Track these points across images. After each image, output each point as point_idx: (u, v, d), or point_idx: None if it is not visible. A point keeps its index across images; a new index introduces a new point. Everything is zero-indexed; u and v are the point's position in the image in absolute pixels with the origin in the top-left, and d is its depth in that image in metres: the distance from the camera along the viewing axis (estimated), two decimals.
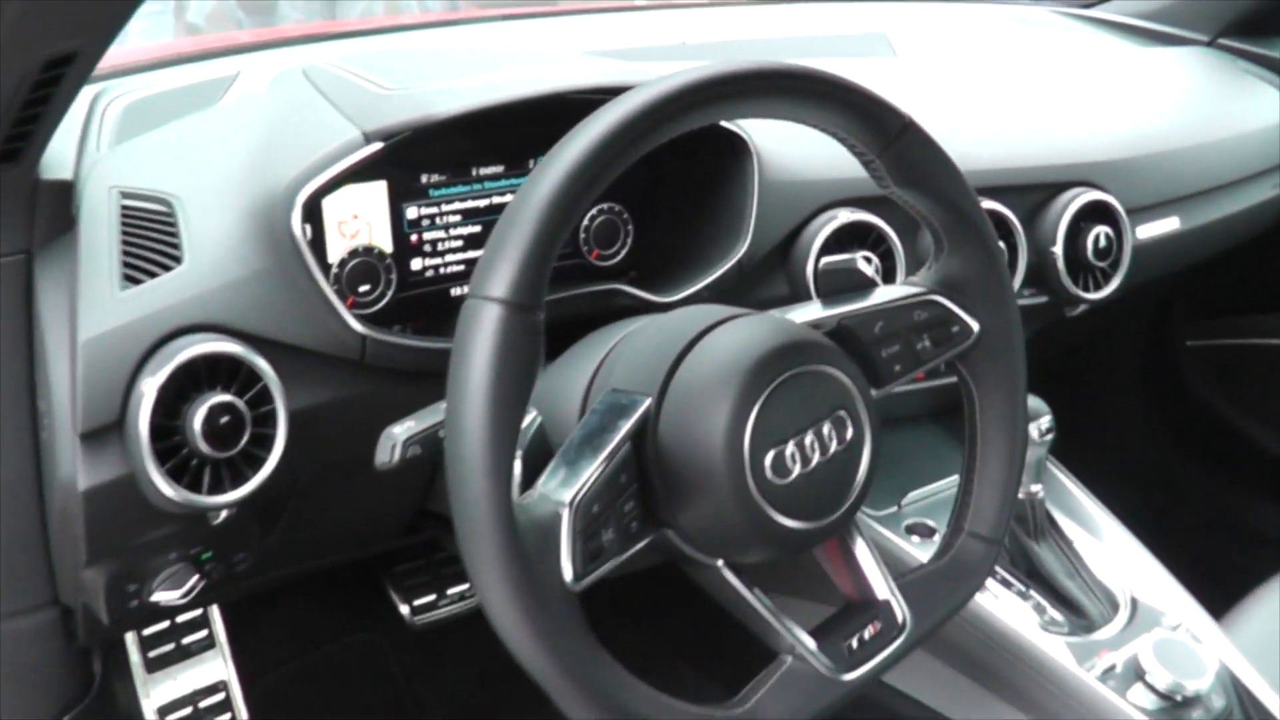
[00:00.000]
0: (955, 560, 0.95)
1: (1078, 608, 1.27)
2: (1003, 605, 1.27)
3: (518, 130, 1.15)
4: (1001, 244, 1.30)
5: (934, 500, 1.40)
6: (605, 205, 1.22)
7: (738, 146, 1.18)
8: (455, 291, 1.16)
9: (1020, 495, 1.28)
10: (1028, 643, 1.23)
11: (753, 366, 0.80)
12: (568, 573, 0.73)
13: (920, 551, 1.31)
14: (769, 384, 0.80)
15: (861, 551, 0.92)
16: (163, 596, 1.05)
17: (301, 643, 1.74)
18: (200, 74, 1.33)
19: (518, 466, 0.83)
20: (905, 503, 1.38)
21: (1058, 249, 1.35)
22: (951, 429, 1.50)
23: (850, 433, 0.85)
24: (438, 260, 1.15)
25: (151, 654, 1.54)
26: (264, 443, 0.96)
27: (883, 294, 0.94)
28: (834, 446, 0.84)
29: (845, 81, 0.83)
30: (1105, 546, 1.37)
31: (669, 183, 1.25)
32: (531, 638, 0.72)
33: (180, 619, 1.54)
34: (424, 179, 1.12)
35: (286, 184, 0.98)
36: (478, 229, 1.16)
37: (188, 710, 1.53)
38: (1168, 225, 1.48)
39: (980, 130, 1.42)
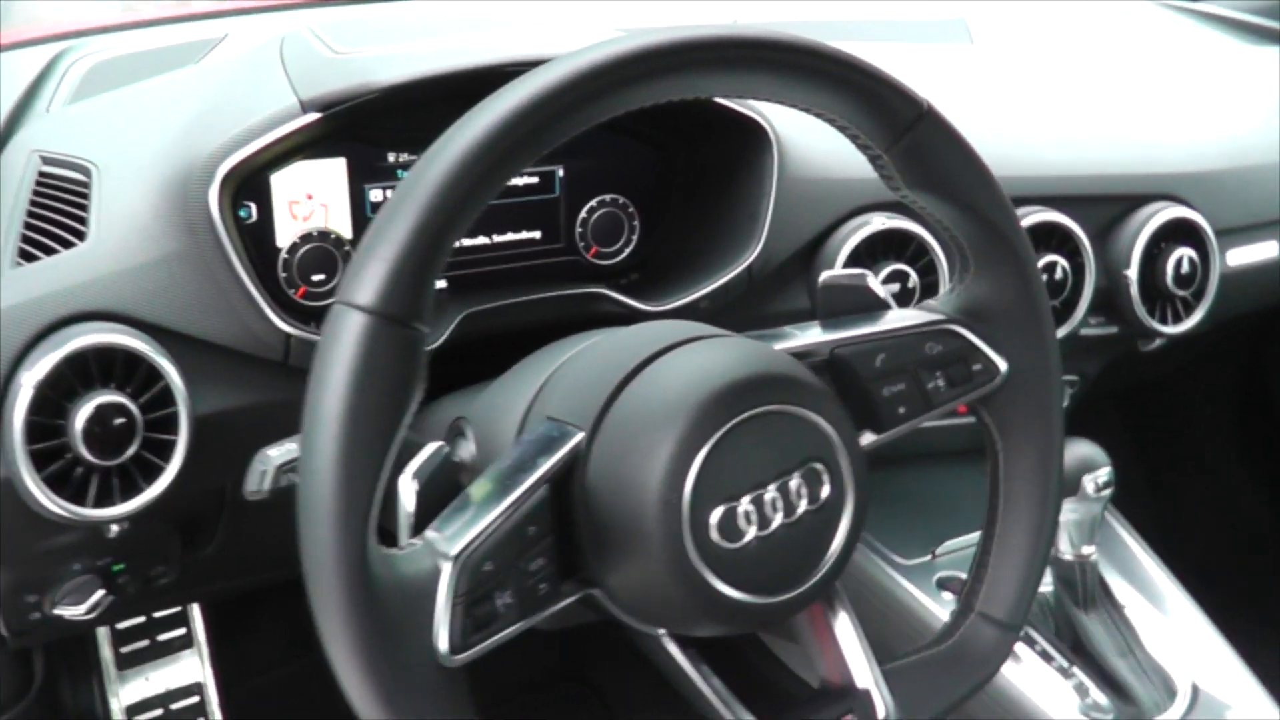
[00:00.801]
0: (960, 646, 0.79)
1: (1127, 692, 1.09)
2: (1039, 683, 1.09)
3: None
4: (1064, 264, 1.13)
5: (973, 552, 1.22)
6: (608, 197, 1.08)
7: (756, 134, 1.03)
8: None
9: (1069, 557, 1.10)
10: None
11: (703, 402, 0.66)
12: (442, 644, 0.60)
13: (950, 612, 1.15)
14: (721, 425, 0.65)
15: (842, 627, 0.77)
16: (66, 611, 0.94)
17: (293, 646, 1.63)
18: (187, 35, 1.23)
19: (412, 504, 0.69)
20: (940, 552, 1.22)
21: (1132, 272, 1.16)
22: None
23: (827, 491, 0.69)
24: None
25: (124, 649, 1.45)
26: (164, 450, 0.84)
27: (894, 319, 0.78)
28: (803, 506, 0.68)
29: (840, 55, 0.67)
30: (1168, 621, 1.18)
31: (681, 174, 1.10)
32: None
33: (158, 614, 1.45)
34: (390, 158, 0.99)
35: (208, 155, 0.86)
36: None
37: (158, 712, 1.44)
38: (1265, 251, 1.28)
39: (1053, 130, 1.24)
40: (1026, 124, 1.22)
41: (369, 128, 0.95)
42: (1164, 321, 1.20)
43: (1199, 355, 1.67)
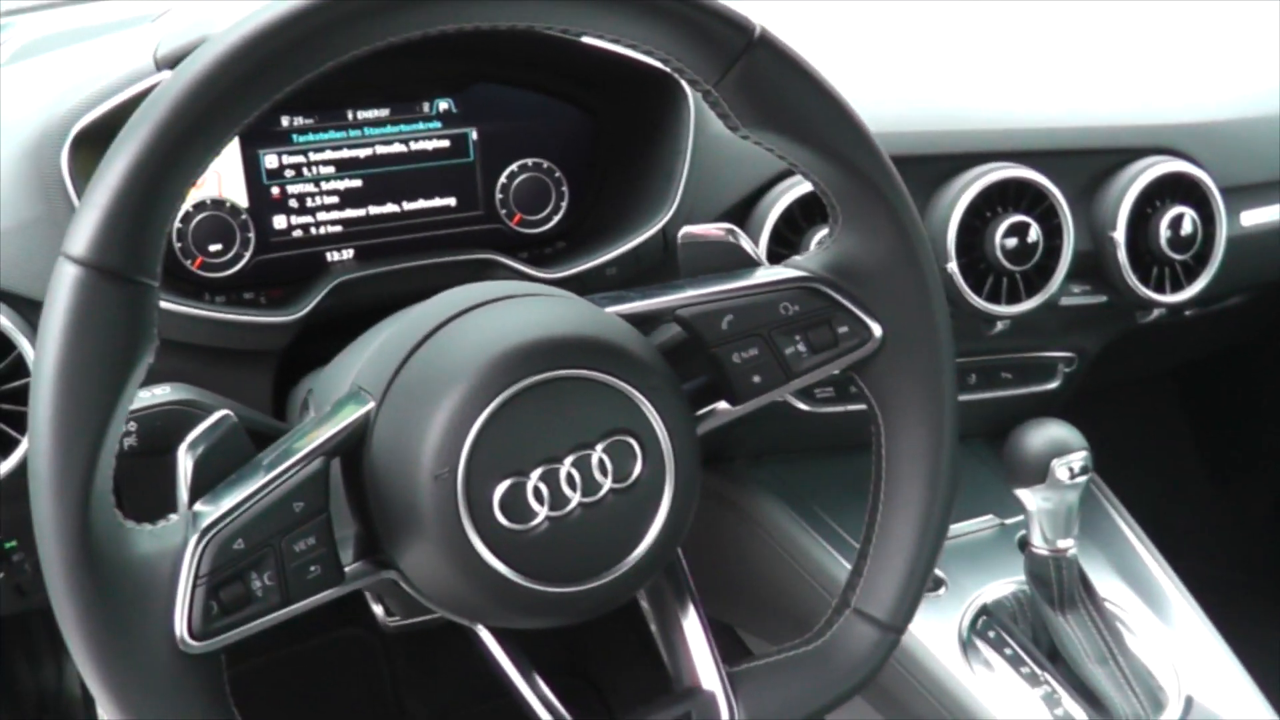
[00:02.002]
0: (830, 647, 0.70)
1: (1104, 702, 0.97)
2: (1004, 690, 0.99)
3: (404, 65, 0.95)
4: (1036, 226, 1.00)
5: (953, 545, 1.11)
6: (531, 162, 1.01)
7: (672, 89, 0.95)
8: (332, 256, 0.98)
9: (1043, 551, 0.99)
10: None
11: (485, 365, 0.59)
12: (180, 629, 0.55)
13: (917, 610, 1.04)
14: (502, 390, 0.59)
15: (690, 623, 0.69)
16: None
17: (287, 631, 1.60)
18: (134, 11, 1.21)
19: (188, 475, 0.64)
20: None
21: (1118, 234, 1.04)
22: (984, 456, 1.21)
23: (639, 469, 0.62)
24: (307, 219, 0.97)
25: None
26: (19, 423, 0.81)
27: (760, 277, 0.70)
28: (607, 485, 0.61)
29: None
30: (1169, 628, 1.05)
31: (610, 137, 1.02)
32: (119, 714, 0.55)
33: None
34: (285, 121, 0.94)
35: (63, 116, 0.83)
36: (357, 183, 0.97)
37: None
38: None
39: (1030, 78, 1.11)
40: (998, 71, 1.10)
41: None
42: (1160, 290, 1.06)
43: (1255, 330, 1.51)
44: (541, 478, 0.59)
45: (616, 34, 0.61)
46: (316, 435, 0.60)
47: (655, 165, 0.96)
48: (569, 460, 0.60)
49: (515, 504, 0.59)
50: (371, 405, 0.61)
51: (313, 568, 0.59)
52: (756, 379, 0.68)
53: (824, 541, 1.09)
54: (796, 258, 0.71)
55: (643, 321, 0.68)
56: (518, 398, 0.59)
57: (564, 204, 1.02)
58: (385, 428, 0.61)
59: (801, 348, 0.68)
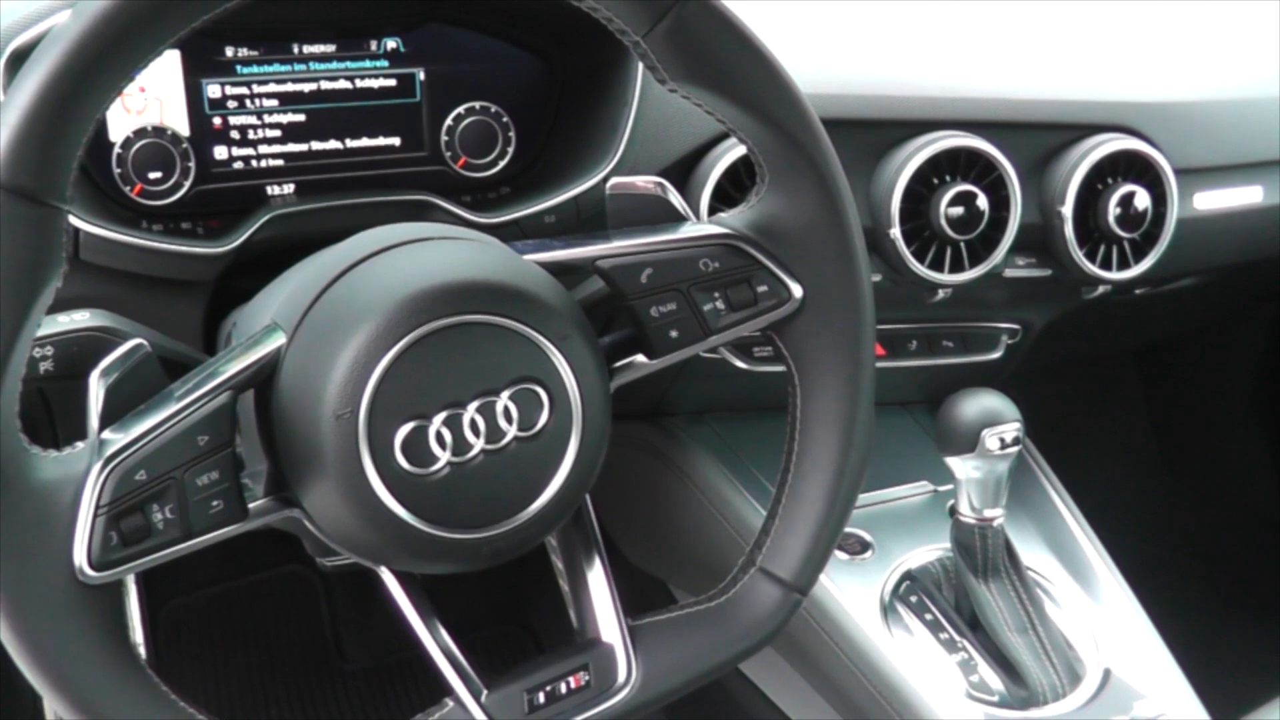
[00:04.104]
0: (732, 605, 0.71)
1: (1020, 671, 0.98)
2: (920, 655, 1.00)
3: (355, 2, 0.94)
4: (983, 197, 0.99)
5: (883, 509, 1.13)
6: (478, 105, 1.00)
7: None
8: (273, 190, 0.97)
9: (970, 520, 1.00)
10: (937, 710, 0.96)
11: (395, 306, 0.59)
12: (79, 558, 0.55)
13: (840, 573, 1.05)
14: (408, 332, 0.58)
15: (595, 575, 0.69)
16: None
17: (229, 566, 1.61)
18: None
19: (99, 403, 0.63)
20: None
21: (1066, 209, 1.04)
22: (924, 423, 1.22)
23: (545, 418, 0.62)
24: (248, 150, 0.96)
25: None
26: None
27: (683, 232, 0.70)
28: (511, 433, 0.61)
29: None
30: (1090, 601, 1.06)
31: (560, 82, 1.01)
32: (15, 641, 0.55)
33: None
34: (229, 51, 0.93)
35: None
36: (300, 118, 0.96)
37: None
38: (1242, 196, 1.12)
39: (987, 49, 1.10)
40: (957, 41, 1.09)
41: None
42: (1107, 267, 1.06)
43: (1215, 314, 1.51)
44: (445, 422, 0.59)
45: None
46: (226, 369, 0.60)
47: (603, 115, 0.95)
48: (473, 406, 0.60)
49: (417, 447, 0.59)
50: (283, 340, 0.61)
51: (215, 502, 0.59)
52: (674, 334, 0.68)
53: (754, 500, 1.10)
54: (723, 214, 0.71)
55: (564, 271, 0.68)
56: (424, 340, 0.58)
57: (510, 149, 1.01)
58: (293, 364, 0.60)
59: (720, 305, 0.68)
